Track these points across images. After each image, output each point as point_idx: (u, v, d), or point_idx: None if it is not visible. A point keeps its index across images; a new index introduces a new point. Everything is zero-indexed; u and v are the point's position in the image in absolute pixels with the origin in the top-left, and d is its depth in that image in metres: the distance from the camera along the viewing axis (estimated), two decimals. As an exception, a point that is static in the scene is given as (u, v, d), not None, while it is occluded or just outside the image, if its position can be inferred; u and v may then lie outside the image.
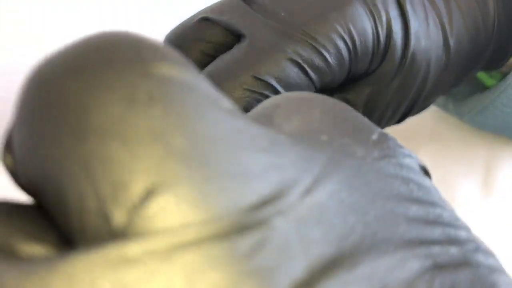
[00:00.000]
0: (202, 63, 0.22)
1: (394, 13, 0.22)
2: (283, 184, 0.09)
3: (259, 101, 0.20)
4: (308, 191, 0.09)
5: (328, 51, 0.21)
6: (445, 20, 0.23)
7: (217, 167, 0.09)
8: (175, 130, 0.09)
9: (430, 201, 0.11)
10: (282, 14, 0.21)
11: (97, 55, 0.09)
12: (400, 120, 0.25)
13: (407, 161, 0.12)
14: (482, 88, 0.31)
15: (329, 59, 0.21)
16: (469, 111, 0.29)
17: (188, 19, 0.23)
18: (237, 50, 0.21)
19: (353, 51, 0.21)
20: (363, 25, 0.21)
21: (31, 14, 0.42)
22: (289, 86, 0.21)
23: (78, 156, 0.09)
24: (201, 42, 0.22)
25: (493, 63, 0.27)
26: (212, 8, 0.23)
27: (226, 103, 0.10)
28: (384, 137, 0.12)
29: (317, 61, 0.21)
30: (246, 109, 0.20)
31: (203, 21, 0.22)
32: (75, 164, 0.09)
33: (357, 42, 0.21)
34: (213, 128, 0.09)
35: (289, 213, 0.09)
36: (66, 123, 0.09)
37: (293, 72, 0.20)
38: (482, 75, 0.32)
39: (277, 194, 0.09)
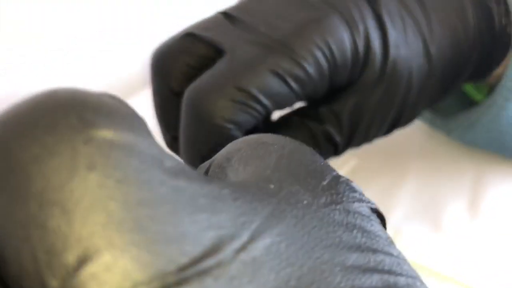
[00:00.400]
0: (187, 75, 0.23)
1: (371, 23, 0.23)
2: (218, 242, 0.10)
3: (244, 111, 0.21)
4: (243, 247, 0.10)
5: (307, 62, 0.21)
6: (424, 29, 0.24)
7: (151, 232, 0.09)
8: (112, 197, 0.09)
9: (373, 247, 0.12)
10: (262, 29, 0.22)
11: (42, 120, 0.10)
12: (388, 131, 0.26)
13: (355, 206, 0.12)
14: (470, 102, 0.31)
15: (309, 70, 0.22)
16: (456, 128, 0.29)
17: (176, 34, 0.24)
18: (219, 64, 0.22)
19: (332, 61, 0.22)
20: (341, 36, 0.22)
21: (31, 14, 0.42)
22: (272, 96, 0.22)
23: (18, 220, 0.09)
24: (186, 55, 0.23)
25: (479, 74, 0.27)
26: (197, 25, 0.24)
27: (169, 162, 0.10)
28: (336, 181, 0.13)
29: (297, 71, 0.21)
30: (233, 120, 0.21)
31: (188, 36, 0.23)
32: (15, 228, 0.09)
33: (336, 53, 0.22)
34: (151, 192, 0.09)
35: (221, 271, 0.09)
36: (8, 187, 0.09)
37: (274, 83, 0.21)
38: (470, 89, 0.32)
39: (210, 253, 0.09)
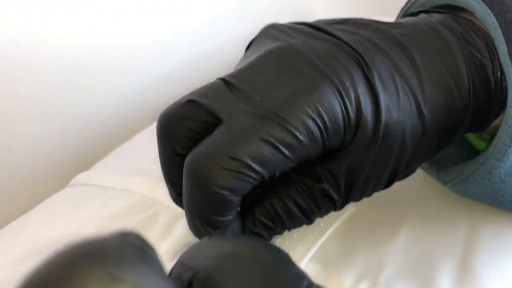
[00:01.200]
0: (190, 139, 0.24)
1: (362, 90, 0.23)
2: None
3: (238, 179, 0.22)
4: None
5: (298, 130, 0.22)
6: (417, 91, 0.24)
7: None
8: None
9: None
10: (258, 99, 0.23)
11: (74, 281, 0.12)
12: (386, 186, 0.26)
13: None
14: (472, 151, 0.32)
15: (300, 137, 0.22)
16: (451, 180, 0.29)
17: (179, 99, 0.25)
18: (216, 133, 0.23)
19: (324, 128, 0.23)
20: (331, 103, 0.23)
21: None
22: (264, 163, 0.22)
23: None
24: (188, 120, 0.24)
25: (476, 127, 0.27)
26: (199, 91, 0.25)
27: None
28: None
29: (289, 139, 0.22)
30: (227, 187, 0.22)
31: (189, 103, 0.24)
32: None
33: (327, 120, 0.23)
34: None
35: None
36: None
37: (266, 151, 0.22)
38: (472, 138, 0.33)
39: None
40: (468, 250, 0.27)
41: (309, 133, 0.23)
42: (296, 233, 0.29)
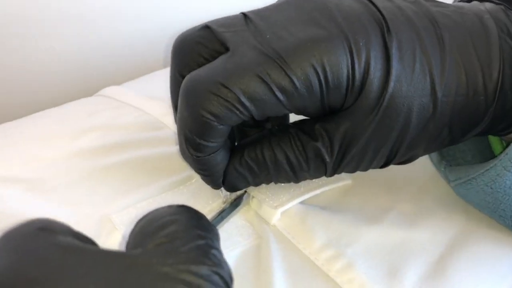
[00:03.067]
0: (197, 63, 0.25)
1: (375, 53, 0.23)
2: None
3: (226, 108, 0.22)
4: None
5: (296, 76, 0.22)
6: (435, 71, 0.23)
7: None
8: None
9: None
10: (268, 36, 0.23)
11: None
12: (384, 165, 0.26)
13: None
14: (488, 152, 0.30)
15: (297, 83, 0.22)
16: (455, 179, 0.28)
17: (198, 25, 0.26)
18: (217, 60, 0.24)
19: (324, 81, 0.22)
20: (338, 59, 0.22)
21: None
22: (255, 100, 0.23)
23: None
24: (200, 46, 0.25)
25: (498, 129, 0.26)
26: (217, 20, 0.25)
27: None
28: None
29: (285, 83, 0.22)
30: (214, 113, 0.22)
31: (205, 29, 0.24)
32: None
33: (329, 74, 0.22)
34: None
35: None
36: None
37: (259, 88, 0.22)
38: (494, 142, 0.31)
39: None
40: (448, 252, 0.26)
41: (307, 82, 0.22)
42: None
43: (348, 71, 0.22)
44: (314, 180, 0.28)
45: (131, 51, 0.54)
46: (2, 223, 0.25)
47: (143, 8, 0.52)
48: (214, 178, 0.26)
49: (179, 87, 0.25)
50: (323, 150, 0.24)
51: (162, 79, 0.43)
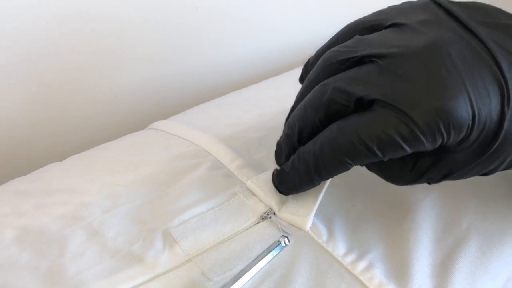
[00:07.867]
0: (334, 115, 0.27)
1: (494, 104, 0.24)
2: None
3: (358, 154, 0.25)
4: None
5: (424, 134, 0.24)
6: None
7: None
8: None
9: None
10: (401, 93, 0.24)
11: None
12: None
13: None
14: None
15: (424, 141, 0.24)
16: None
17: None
18: (366, 111, 0.26)
19: (446, 137, 0.24)
20: (462, 117, 0.23)
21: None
22: (385, 151, 0.25)
23: None
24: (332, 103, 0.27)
25: None
26: (351, 74, 0.27)
27: None
28: None
29: (413, 139, 0.24)
30: (349, 156, 0.26)
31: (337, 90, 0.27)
32: None
33: (452, 132, 0.24)
34: None
35: None
36: None
37: (390, 144, 0.24)
38: None
39: None
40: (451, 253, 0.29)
41: (433, 139, 0.24)
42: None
43: (468, 127, 0.24)
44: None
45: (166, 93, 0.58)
46: (85, 235, 0.30)
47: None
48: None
49: (314, 130, 0.28)
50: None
51: (205, 112, 0.48)
